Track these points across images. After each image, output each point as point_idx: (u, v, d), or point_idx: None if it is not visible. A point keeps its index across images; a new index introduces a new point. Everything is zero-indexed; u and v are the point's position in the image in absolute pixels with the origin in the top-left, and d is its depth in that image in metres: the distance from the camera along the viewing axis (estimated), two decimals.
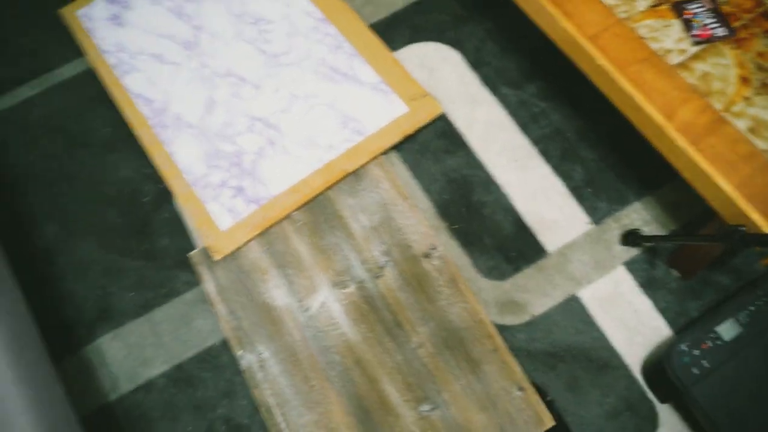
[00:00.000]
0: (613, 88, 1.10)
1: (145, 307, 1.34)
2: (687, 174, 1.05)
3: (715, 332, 1.11)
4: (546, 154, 1.44)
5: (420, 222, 1.37)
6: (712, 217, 1.13)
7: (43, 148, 1.52)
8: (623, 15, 1.13)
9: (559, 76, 1.51)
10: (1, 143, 1.53)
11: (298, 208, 1.39)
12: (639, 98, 1.06)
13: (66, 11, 1.66)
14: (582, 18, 1.13)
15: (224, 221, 1.38)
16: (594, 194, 1.40)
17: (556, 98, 1.49)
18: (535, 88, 1.51)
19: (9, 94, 1.59)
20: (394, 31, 1.60)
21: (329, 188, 1.41)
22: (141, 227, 1.42)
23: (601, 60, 1.09)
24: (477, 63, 1.54)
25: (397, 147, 1.47)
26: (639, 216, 1.37)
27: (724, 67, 1.07)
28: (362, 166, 1.43)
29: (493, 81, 1.52)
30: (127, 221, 1.43)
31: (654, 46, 1.10)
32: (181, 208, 1.43)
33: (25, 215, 1.45)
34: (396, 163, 1.46)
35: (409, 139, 1.47)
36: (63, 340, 1.32)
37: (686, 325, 1.27)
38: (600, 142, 1.44)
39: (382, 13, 1.62)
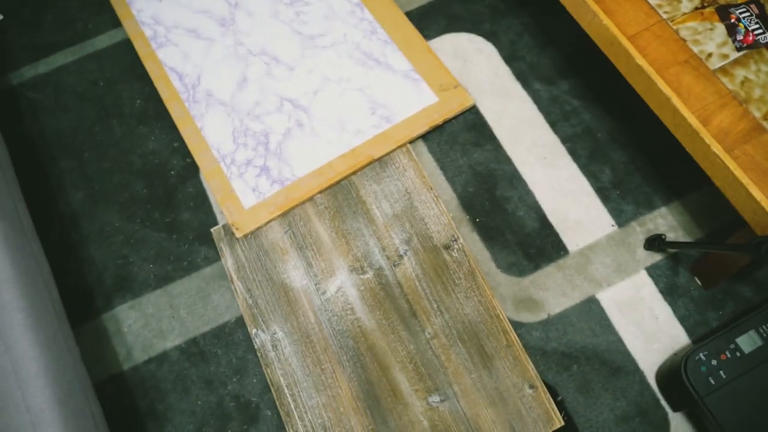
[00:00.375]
0: (650, 89, 1.08)
1: (165, 279, 1.36)
2: (719, 181, 1.03)
3: (735, 343, 1.09)
4: (574, 153, 1.42)
5: (442, 213, 1.36)
6: (740, 227, 1.11)
7: (75, 116, 1.54)
8: (666, 15, 1.11)
9: (593, 74, 1.49)
10: (34, 108, 1.55)
11: (321, 191, 1.39)
12: (675, 101, 1.04)
13: None
14: (623, 16, 1.11)
15: (248, 199, 1.38)
16: (620, 196, 1.38)
17: (588, 97, 1.47)
18: (568, 86, 1.49)
19: (44, 60, 1.61)
20: (430, 20, 1.58)
21: (354, 173, 1.41)
22: (166, 200, 1.44)
23: (640, 60, 1.07)
24: (511, 57, 1.52)
25: (424, 136, 1.46)
26: (665, 221, 1.35)
27: (766, 75, 1.05)
28: (388, 154, 1.42)
29: (526, 76, 1.50)
30: (153, 193, 1.44)
31: (695, 49, 1.08)
32: (207, 183, 1.44)
33: (53, 180, 1.47)
34: (422, 152, 1.45)
35: (437, 129, 1.46)
36: (82, 305, 1.34)
37: (705, 335, 1.25)
38: (630, 145, 1.42)
39: (419, 1, 1.61)
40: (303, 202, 1.39)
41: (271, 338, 1.27)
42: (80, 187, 1.46)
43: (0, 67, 1.61)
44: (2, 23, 1.66)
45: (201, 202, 1.43)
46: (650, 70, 1.07)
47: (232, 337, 1.30)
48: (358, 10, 1.57)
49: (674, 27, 1.10)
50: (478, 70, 1.52)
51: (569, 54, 1.52)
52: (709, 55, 1.07)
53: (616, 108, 1.45)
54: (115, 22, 1.64)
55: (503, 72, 1.51)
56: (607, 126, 1.44)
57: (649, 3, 1.12)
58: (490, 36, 1.55)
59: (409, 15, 1.59)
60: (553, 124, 1.45)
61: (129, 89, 1.56)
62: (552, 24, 1.55)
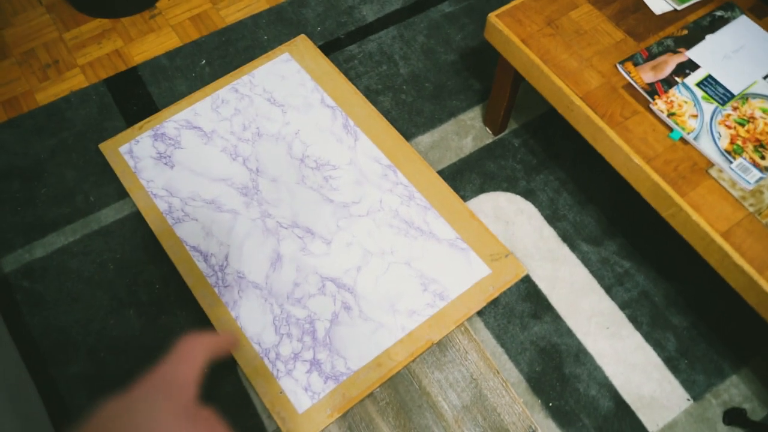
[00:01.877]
0: (751, 288, 1.05)
1: None
2: None
3: None
4: (635, 320, 1.38)
5: (514, 401, 1.27)
6: None
7: (83, 308, 1.36)
8: (752, 209, 1.09)
9: (638, 233, 1.46)
10: (33, 302, 1.36)
11: (380, 385, 1.27)
12: None
13: (107, 146, 1.53)
14: (710, 211, 1.08)
15: (301, 402, 1.24)
16: (690, 366, 1.33)
17: (637, 257, 1.44)
18: (616, 246, 1.45)
19: (40, 242, 1.43)
20: (464, 179, 1.52)
21: (413, 360, 1.30)
22: (202, 404, 1.27)
23: (739, 260, 1.04)
24: (553, 216, 1.48)
25: (479, 311, 1.38)
26: (738, 391, 1.31)
27: None
28: (446, 335, 1.33)
29: (571, 237, 1.46)
30: None
31: None
32: (250, 382, 1.29)
33: (63, 389, 1.27)
34: (479, 328, 1.36)
35: (491, 302, 1.38)
36: None
37: None
38: (688, 308, 1.39)
39: (451, 158, 1.55)
40: (362, 400, 1.26)
41: None
42: (98, 397, 1.27)
43: None
44: None
45: (243, 404, 1.28)
46: (751, 271, 1.04)
47: None
48: (391, 173, 1.49)
49: (763, 221, 1.08)
50: (522, 234, 1.46)
51: (611, 211, 1.49)
52: None
53: (666, 268, 1.43)
54: (121, 193, 1.49)
55: (548, 234, 1.46)
56: (662, 289, 1.41)
57: (733, 195, 1.10)
58: (527, 194, 1.51)
59: (442, 174, 1.53)
60: (608, 289, 1.40)
61: (145, 272, 1.40)
62: (588, 178, 1.53)
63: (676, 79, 1.19)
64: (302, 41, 1.69)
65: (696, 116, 1.15)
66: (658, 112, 1.15)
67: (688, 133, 1.13)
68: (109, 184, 1.50)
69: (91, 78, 1.66)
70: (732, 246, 1.06)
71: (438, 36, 1.73)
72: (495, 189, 1.52)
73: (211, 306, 1.34)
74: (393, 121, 1.60)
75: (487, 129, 1.59)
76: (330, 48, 1.71)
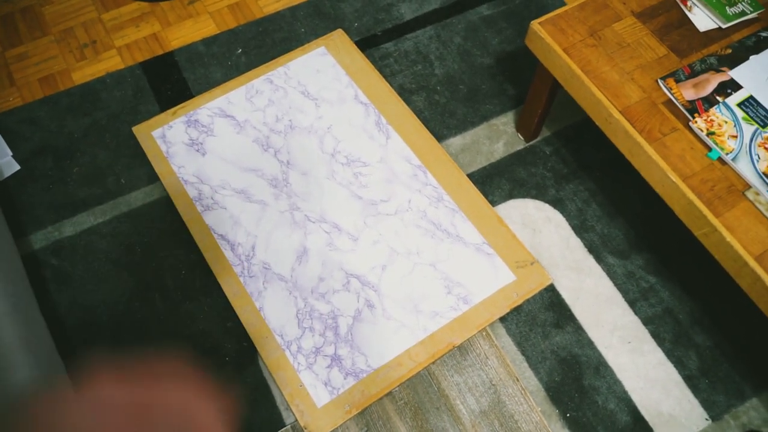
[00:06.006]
0: None
1: None
2: None
3: None
4: (658, 336, 1.37)
5: (532, 409, 1.27)
6: None
7: (109, 288, 1.37)
8: None
9: (666, 248, 1.46)
10: (60, 279, 1.38)
11: (400, 384, 1.28)
12: None
13: (140, 130, 1.54)
14: (745, 233, 1.08)
15: (320, 396, 1.25)
16: (711, 386, 1.33)
17: (664, 274, 1.43)
18: (643, 260, 1.44)
19: (70, 220, 1.45)
20: (493, 184, 1.52)
21: (433, 362, 1.30)
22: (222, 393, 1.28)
23: None
24: (581, 227, 1.48)
25: (501, 317, 1.38)
26: (757, 414, 1.31)
27: None
28: (468, 339, 1.33)
29: (598, 248, 1.46)
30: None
31: None
32: (269, 373, 1.29)
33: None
34: (501, 334, 1.36)
35: (514, 309, 1.38)
36: None
37: None
38: (712, 328, 1.38)
39: (481, 162, 1.55)
40: (381, 398, 1.27)
41: None
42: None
43: (17, 228, 1.43)
44: (19, 176, 1.49)
45: (263, 395, 1.29)
46: None
47: None
48: (421, 174, 1.49)
49: None
50: (549, 242, 1.46)
51: (639, 224, 1.48)
52: None
53: (693, 286, 1.42)
54: (152, 177, 1.50)
55: (575, 244, 1.46)
56: (687, 307, 1.40)
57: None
58: (556, 203, 1.51)
59: (472, 177, 1.52)
60: (632, 303, 1.40)
61: (171, 257, 1.41)
62: (618, 191, 1.52)
63: (718, 98, 1.18)
64: (339, 36, 1.69)
65: (735, 137, 1.14)
66: (697, 131, 1.15)
67: (727, 154, 1.12)
68: (140, 168, 1.51)
69: (127, 60, 1.67)
70: (765, 270, 1.05)
71: (475, 38, 1.73)
72: (524, 196, 1.51)
73: (235, 295, 1.35)
74: (425, 122, 1.60)
75: (519, 135, 1.58)
76: (366, 44, 1.71)
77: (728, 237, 1.08)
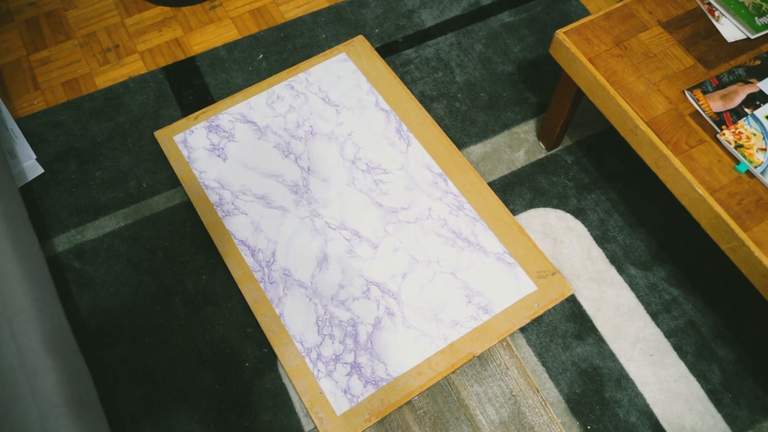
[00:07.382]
0: None
1: None
2: None
3: None
4: (680, 349, 1.36)
5: (553, 420, 1.26)
6: None
7: (131, 292, 1.38)
8: None
9: (689, 260, 1.44)
10: (83, 282, 1.38)
11: (419, 393, 1.27)
12: None
13: (162, 134, 1.55)
14: None
15: (340, 404, 1.25)
16: (734, 401, 1.31)
17: (687, 285, 1.42)
18: (665, 272, 1.43)
19: (92, 224, 1.45)
20: (514, 193, 1.51)
21: (453, 372, 1.30)
22: (241, 398, 1.28)
23: None
24: (603, 238, 1.46)
25: (522, 327, 1.37)
26: None
27: None
28: (488, 349, 1.32)
29: (620, 259, 1.44)
30: (226, 389, 1.29)
31: None
32: (288, 380, 1.29)
33: (108, 371, 1.30)
34: (521, 344, 1.35)
35: (534, 320, 1.37)
36: None
37: None
38: (735, 341, 1.37)
39: (502, 171, 1.54)
40: (400, 407, 1.26)
41: None
42: (141, 381, 1.29)
43: (41, 231, 1.44)
44: (43, 179, 1.50)
45: (282, 401, 1.29)
46: None
47: None
48: (442, 182, 1.49)
49: None
50: (570, 253, 1.45)
51: (662, 236, 1.47)
52: None
53: (715, 299, 1.40)
54: (173, 181, 1.51)
55: (596, 255, 1.45)
56: (710, 319, 1.38)
57: None
58: (578, 213, 1.49)
59: (492, 186, 1.52)
60: (655, 316, 1.39)
61: (192, 261, 1.42)
62: (640, 201, 1.51)
63: (746, 110, 1.17)
64: (360, 42, 1.70)
65: (764, 150, 1.12)
66: (725, 143, 1.13)
67: (756, 167, 1.11)
68: (162, 172, 1.52)
69: (149, 65, 1.68)
70: None
71: (496, 46, 1.72)
72: (545, 205, 1.50)
73: (256, 301, 1.35)
74: (446, 129, 1.59)
75: (541, 143, 1.57)
76: (387, 51, 1.71)
77: (756, 252, 1.06)
